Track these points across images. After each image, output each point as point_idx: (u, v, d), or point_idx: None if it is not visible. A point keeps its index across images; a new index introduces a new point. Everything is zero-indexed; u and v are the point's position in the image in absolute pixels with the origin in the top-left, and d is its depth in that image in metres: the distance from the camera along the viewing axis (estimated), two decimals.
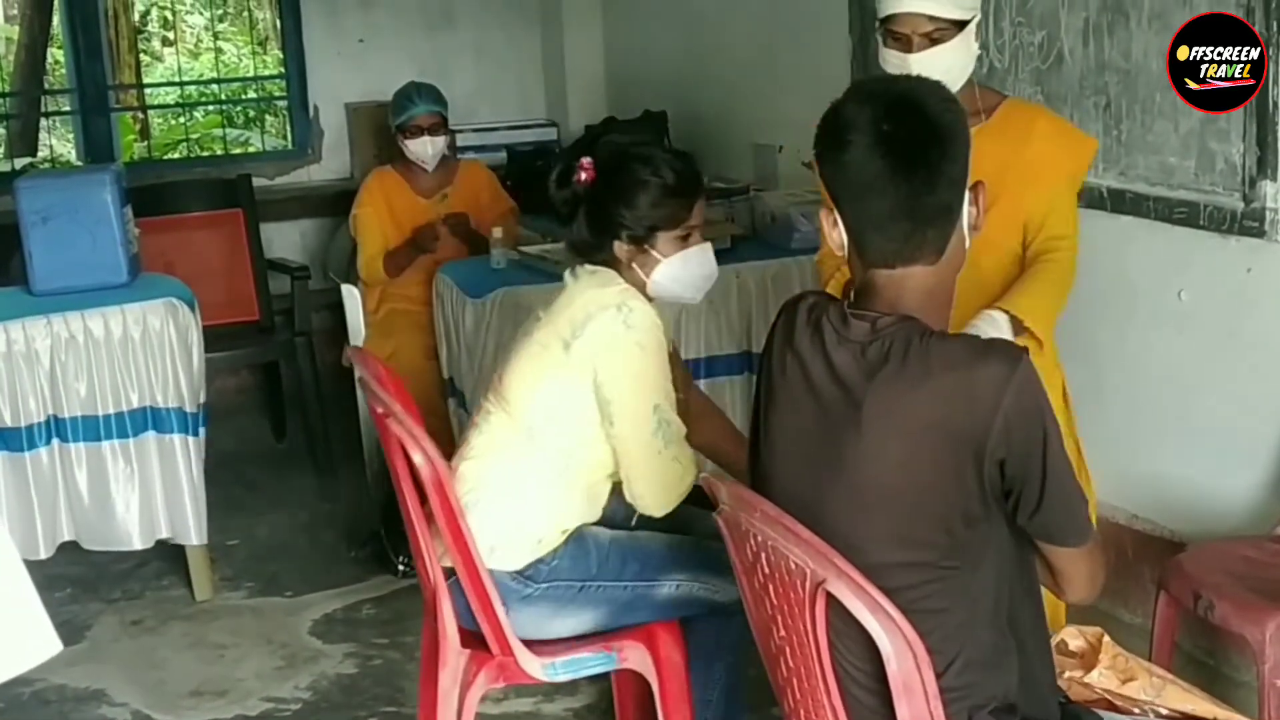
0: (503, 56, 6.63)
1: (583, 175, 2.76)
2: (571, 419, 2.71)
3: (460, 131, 5.42)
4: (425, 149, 4.80)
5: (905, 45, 2.77)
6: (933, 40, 2.76)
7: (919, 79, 2.06)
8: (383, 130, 5.47)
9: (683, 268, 2.80)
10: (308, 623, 4.07)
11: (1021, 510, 1.87)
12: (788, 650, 1.97)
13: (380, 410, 2.68)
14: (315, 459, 5.31)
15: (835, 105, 1.94)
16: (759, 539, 1.94)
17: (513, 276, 4.35)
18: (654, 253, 2.77)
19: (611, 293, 2.72)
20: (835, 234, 1.97)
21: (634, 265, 2.78)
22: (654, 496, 2.75)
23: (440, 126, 4.83)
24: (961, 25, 2.78)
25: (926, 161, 1.89)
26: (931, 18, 2.75)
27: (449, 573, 2.71)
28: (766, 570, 1.94)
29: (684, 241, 2.79)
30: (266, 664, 3.84)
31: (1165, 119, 3.42)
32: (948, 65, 2.72)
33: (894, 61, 2.78)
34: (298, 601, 4.20)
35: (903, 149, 1.87)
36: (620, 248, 2.76)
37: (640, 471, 2.72)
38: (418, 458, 2.58)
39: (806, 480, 1.96)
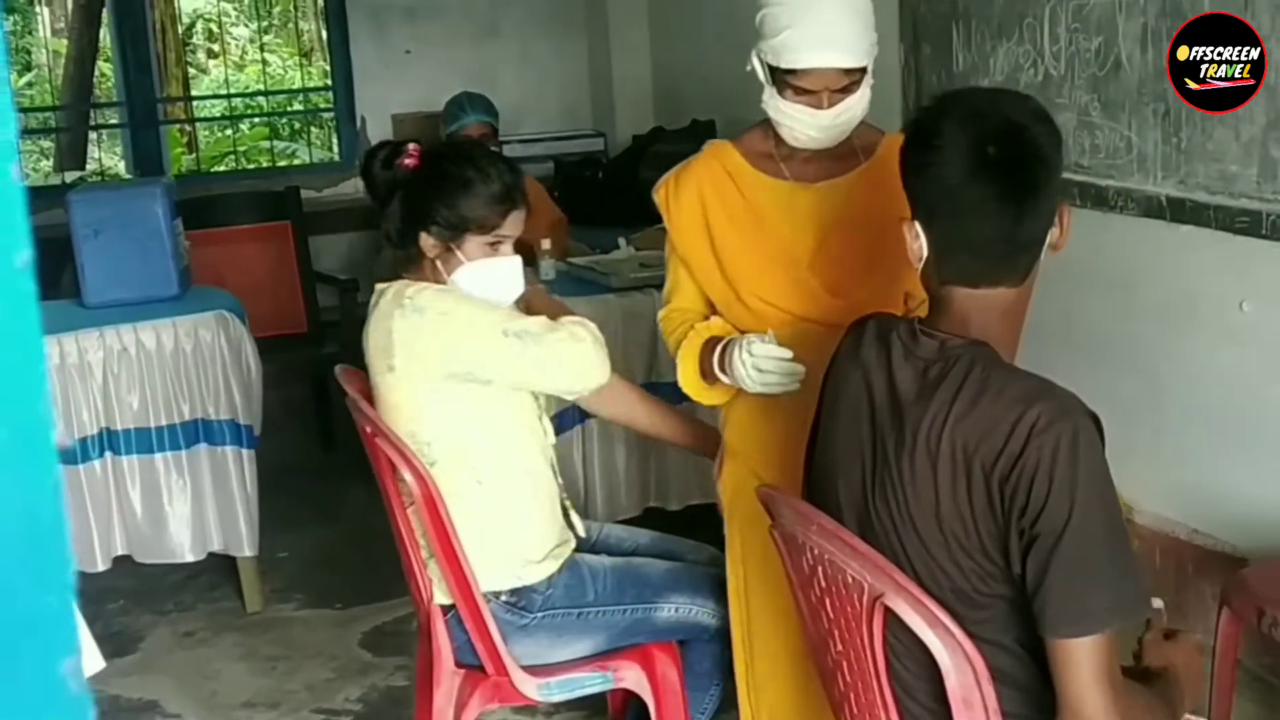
0: (549, 67, 6.63)
1: (408, 161, 2.70)
2: (462, 433, 2.66)
3: (507, 143, 5.43)
4: None
5: (815, 101, 2.44)
6: (843, 91, 2.44)
7: (1014, 96, 2.00)
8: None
9: (485, 274, 2.70)
10: (358, 635, 4.07)
11: (1029, 579, 1.76)
12: (845, 665, 1.95)
13: (369, 430, 2.67)
14: (364, 471, 5.28)
15: (930, 119, 1.89)
16: (815, 552, 1.92)
17: (561, 287, 4.33)
18: (459, 253, 2.69)
19: (387, 301, 2.67)
20: (916, 246, 1.93)
21: (437, 263, 2.71)
22: (583, 378, 2.69)
23: (490, 137, 4.84)
24: (865, 70, 2.47)
25: (1031, 190, 1.84)
26: (846, 71, 2.42)
27: (447, 609, 2.71)
28: (823, 584, 1.93)
29: (493, 249, 2.71)
30: (317, 676, 3.84)
31: (1226, 126, 3.37)
32: (854, 115, 2.48)
33: (799, 117, 2.46)
34: (348, 614, 4.20)
35: (1007, 176, 1.83)
36: (427, 240, 2.69)
37: (553, 378, 2.67)
38: (407, 476, 2.58)
39: (859, 494, 1.93)
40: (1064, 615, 1.73)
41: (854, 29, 2.42)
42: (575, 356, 2.66)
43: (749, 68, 2.50)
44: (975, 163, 1.82)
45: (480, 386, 2.64)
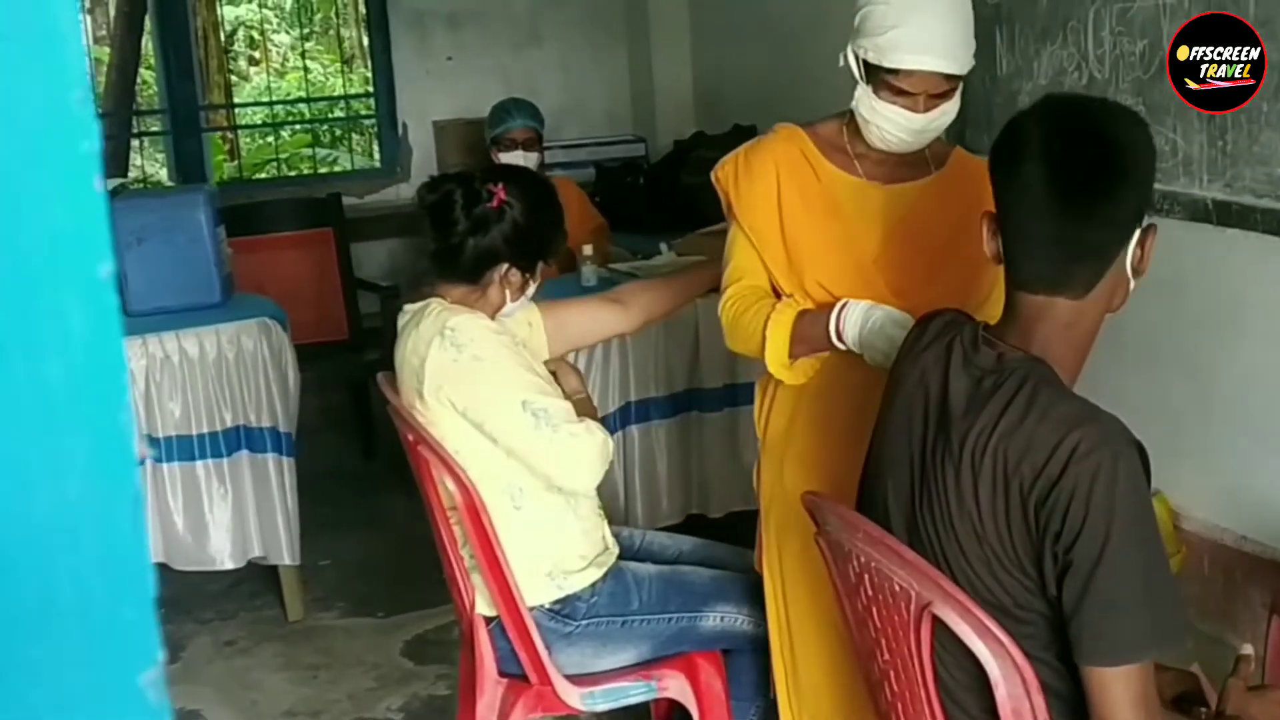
0: (590, 73, 6.62)
1: (496, 203, 2.69)
2: (482, 453, 2.66)
3: (549, 149, 5.42)
4: (517, 163, 4.79)
5: (912, 104, 2.42)
6: (940, 96, 2.44)
7: (1111, 105, 1.94)
8: (472, 148, 5.47)
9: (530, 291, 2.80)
10: (399, 643, 4.06)
11: (1065, 605, 1.73)
12: (892, 674, 1.93)
13: (411, 437, 2.67)
14: (405, 479, 5.29)
15: (1022, 114, 1.88)
16: (861, 560, 1.90)
17: (602, 292, 4.32)
18: (532, 282, 2.76)
19: (429, 325, 2.66)
20: (993, 244, 1.91)
21: (490, 292, 2.73)
22: (573, 478, 2.66)
23: (534, 142, 4.84)
24: (963, 77, 2.47)
25: (1089, 194, 1.80)
26: (948, 76, 2.42)
27: (489, 619, 2.70)
28: (869, 593, 1.91)
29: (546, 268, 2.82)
30: (359, 685, 3.84)
31: (1273, 129, 3.33)
32: (945, 122, 2.48)
33: (894, 118, 2.44)
34: (389, 622, 4.20)
35: (1067, 175, 1.80)
36: (510, 274, 2.72)
37: (548, 464, 2.64)
38: (449, 483, 2.56)
39: (907, 498, 1.92)
40: (1100, 645, 1.71)
41: (959, 34, 2.41)
42: (579, 457, 2.63)
43: (841, 64, 2.48)
44: (1041, 157, 1.80)
45: (474, 427, 2.64)
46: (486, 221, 2.68)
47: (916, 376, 1.94)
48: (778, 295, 2.60)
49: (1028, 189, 1.82)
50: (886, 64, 2.39)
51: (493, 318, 2.70)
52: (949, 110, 2.45)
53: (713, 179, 2.67)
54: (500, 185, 2.70)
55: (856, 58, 2.45)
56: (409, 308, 2.75)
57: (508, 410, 2.60)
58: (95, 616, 0.62)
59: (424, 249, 2.86)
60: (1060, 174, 1.80)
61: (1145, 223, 1.85)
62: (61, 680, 0.61)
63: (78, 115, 0.60)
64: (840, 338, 2.44)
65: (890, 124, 2.45)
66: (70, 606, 0.61)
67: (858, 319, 2.42)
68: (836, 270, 2.55)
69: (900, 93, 2.42)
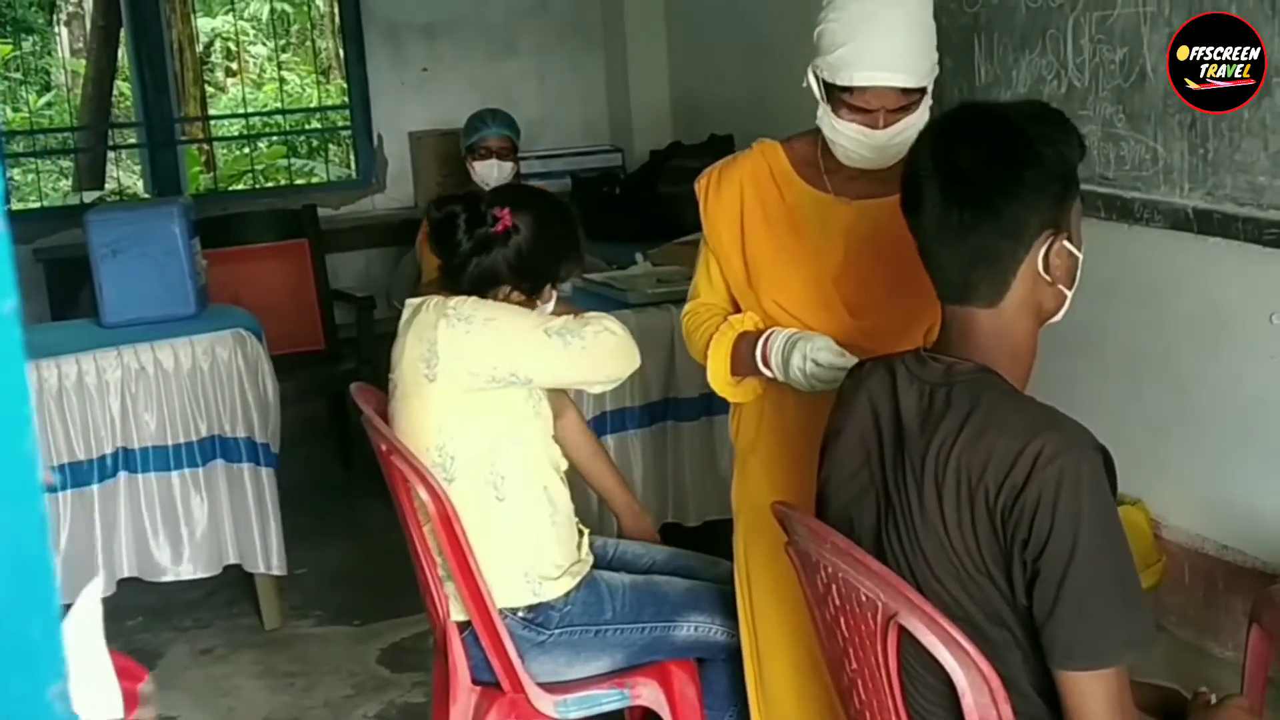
0: (566, 83, 6.62)
1: (501, 226, 2.70)
2: (489, 448, 2.67)
3: (525, 159, 5.41)
4: (491, 172, 4.77)
5: (870, 120, 2.35)
6: (900, 111, 2.36)
7: (1017, 106, 1.90)
8: (448, 159, 5.45)
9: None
10: (376, 651, 4.05)
11: (1036, 612, 1.72)
12: (860, 683, 1.92)
13: (385, 447, 2.66)
14: (383, 488, 5.26)
15: (929, 124, 1.88)
16: (829, 570, 1.90)
17: (578, 303, 4.28)
18: (541, 305, 2.78)
19: (430, 313, 2.68)
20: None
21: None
22: (607, 370, 2.76)
23: (509, 151, 4.82)
24: (924, 90, 2.40)
25: (969, 202, 1.78)
26: (905, 91, 2.34)
27: (463, 625, 2.70)
28: (837, 603, 1.90)
29: (553, 289, 2.82)
30: (335, 692, 3.82)
31: (1254, 137, 3.33)
32: (910, 137, 2.37)
33: (854, 136, 2.38)
34: (366, 630, 4.18)
35: (950, 180, 1.79)
36: (500, 294, 2.73)
37: (582, 370, 2.72)
38: (422, 493, 2.56)
39: (872, 525, 1.90)
40: (1075, 649, 1.70)
41: (915, 48, 2.35)
42: (611, 347, 2.72)
43: (804, 84, 2.44)
44: (931, 163, 1.81)
45: (513, 396, 2.65)
46: (489, 243, 2.69)
47: (864, 402, 1.93)
48: (739, 311, 2.61)
49: (919, 200, 1.82)
50: (840, 82, 2.34)
51: None
52: (913, 125, 2.34)
53: (695, 188, 2.67)
54: (506, 210, 2.70)
55: (816, 76, 2.42)
56: (410, 302, 2.78)
57: (535, 344, 2.65)
58: (4, 636, 0.65)
59: (404, 258, 2.86)
60: (942, 181, 1.79)
61: (1054, 229, 1.80)
62: None
63: None
64: (767, 365, 2.44)
65: (851, 142, 2.39)
66: None
67: (777, 349, 2.41)
68: (794, 289, 2.54)
69: (857, 110, 2.36)
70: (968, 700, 1.75)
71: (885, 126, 2.36)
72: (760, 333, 2.48)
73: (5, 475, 0.64)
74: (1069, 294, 1.85)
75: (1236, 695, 2.06)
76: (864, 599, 1.82)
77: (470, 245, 2.69)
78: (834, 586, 1.90)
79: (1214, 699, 1.98)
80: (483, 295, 2.71)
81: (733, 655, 2.77)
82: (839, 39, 2.34)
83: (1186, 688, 2.10)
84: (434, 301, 2.70)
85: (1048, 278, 1.81)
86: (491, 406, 2.66)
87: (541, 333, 2.66)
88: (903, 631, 1.78)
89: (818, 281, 2.53)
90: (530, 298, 2.75)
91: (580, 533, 2.82)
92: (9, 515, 0.64)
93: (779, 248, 2.56)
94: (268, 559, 4.08)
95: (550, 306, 2.80)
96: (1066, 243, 1.81)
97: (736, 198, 2.59)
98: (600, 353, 2.70)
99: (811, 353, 2.38)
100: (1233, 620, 3.53)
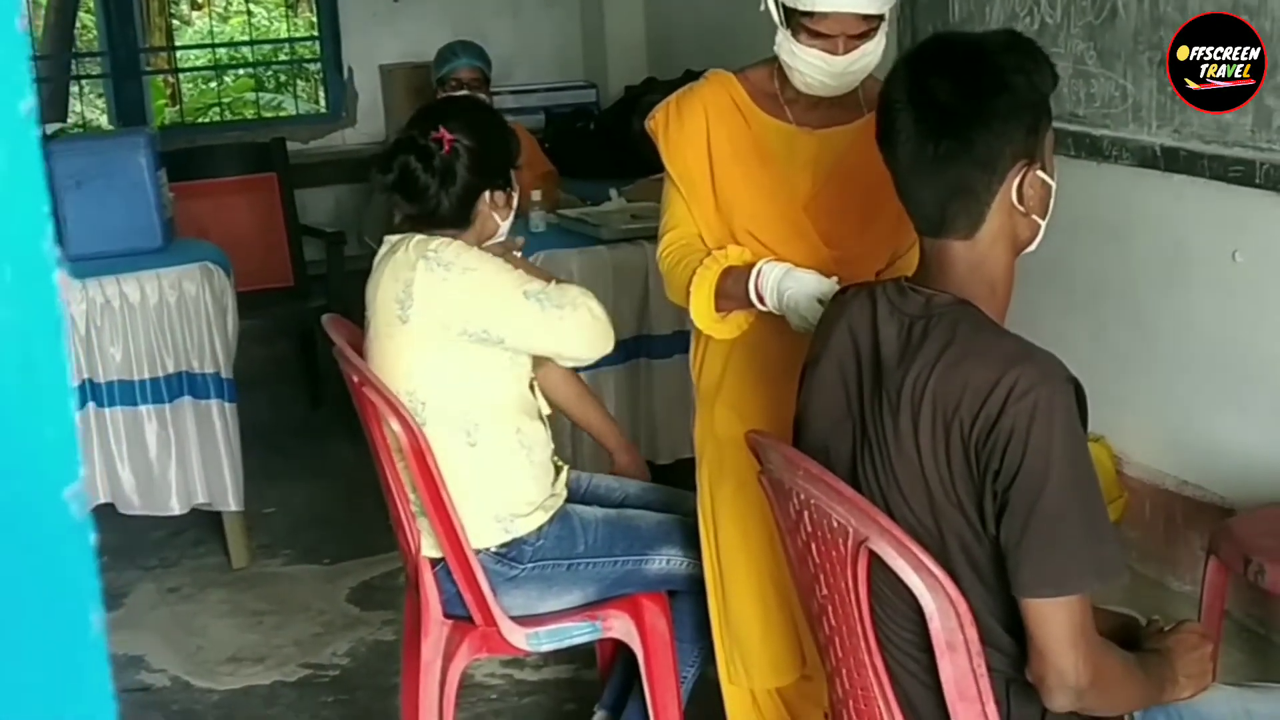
0: (540, 17, 6.56)
1: (447, 147, 2.67)
2: (463, 385, 2.66)
3: (498, 94, 5.37)
4: None
5: (830, 46, 2.38)
6: (860, 37, 2.39)
7: (992, 36, 1.90)
8: (419, 92, 5.41)
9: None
10: (345, 590, 4.05)
11: (1004, 541, 1.74)
12: (830, 609, 1.94)
13: (356, 379, 2.65)
14: (352, 427, 5.26)
15: (898, 58, 1.87)
16: (801, 498, 1.91)
17: (551, 240, 4.30)
18: (514, 191, 2.76)
19: (410, 251, 2.65)
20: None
21: (494, 215, 2.74)
22: (578, 347, 2.71)
23: (480, 84, 4.78)
24: (883, 17, 2.42)
25: (944, 133, 1.79)
26: (865, 17, 2.36)
27: (435, 561, 2.70)
28: (809, 529, 1.92)
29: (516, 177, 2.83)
30: (304, 631, 3.83)
31: None
32: (869, 63, 2.43)
33: (813, 62, 2.39)
34: (335, 569, 4.18)
35: (924, 112, 1.80)
36: (495, 198, 2.72)
37: (555, 340, 2.68)
38: (395, 426, 2.55)
39: (848, 452, 1.92)
40: (1040, 577, 1.72)
41: None
42: (587, 324, 2.68)
43: (762, 8, 2.44)
44: (906, 96, 1.81)
45: (487, 348, 2.63)
46: (450, 168, 2.67)
47: (845, 332, 1.94)
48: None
49: (894, 133, 1.83)
50: (801, 6, 2.35)
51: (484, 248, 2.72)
52: (871, 51, 2.40)
53: (647, 128, 2.65)
54: (441, 129, 2.67)
55: (776, 2, 2.41)
56: (388, 239, 2.74)
57: (512, 304, 2.61)
58: (16, 435, 0.63)
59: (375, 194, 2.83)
60: (918, 110, 1.80)
61: (1028, 159, 1.82)
62: None
63: None
64: (761, 300, 2.43)
65: (810, 68, 2.41)
66: None
67: (773, 284, 2.40)
68: (767, 219, 2.53)
69: (817, 35, 2.37)
70: (935, 624, 1.77)
71: (845, 53, 2.38)
72: (749, 266, 2.46)
73: (21, 275, 0.63)
74: (1043, 223, 1.87)
75: (1190, 620, 2.09)
76: (835, 525, 1.83)
77: (436, 180, 2.66)
78: (805, 513, 1.91)
79: (1166, 629, 2.00)
80: (470, 216, 2.69)
81: (704, 588, 2.78)
82: None
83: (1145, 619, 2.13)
84: (415, 240, 2.66)
85: (1022, 208, 1.83)
86: (464, 355, 2.64)
87: (520, 293, 2.62)
88: (873, 557, 1.79)
89: (789, 211, 2.53)
90: (509, 192, 2.74)
91: (557, 469, 2.81)
92: (22, 313, 0.62)
93: (748, 178, 2.54)
94: (237, 496, 4.07)
95: (515, 198, 2.78)
96: (1040, 172, 1.83)
97: (702, 126, 2.56)
98: (575, 326, 2.65)
99: (805, 294, 2.35)
100: (1191, 554, 3.57)
